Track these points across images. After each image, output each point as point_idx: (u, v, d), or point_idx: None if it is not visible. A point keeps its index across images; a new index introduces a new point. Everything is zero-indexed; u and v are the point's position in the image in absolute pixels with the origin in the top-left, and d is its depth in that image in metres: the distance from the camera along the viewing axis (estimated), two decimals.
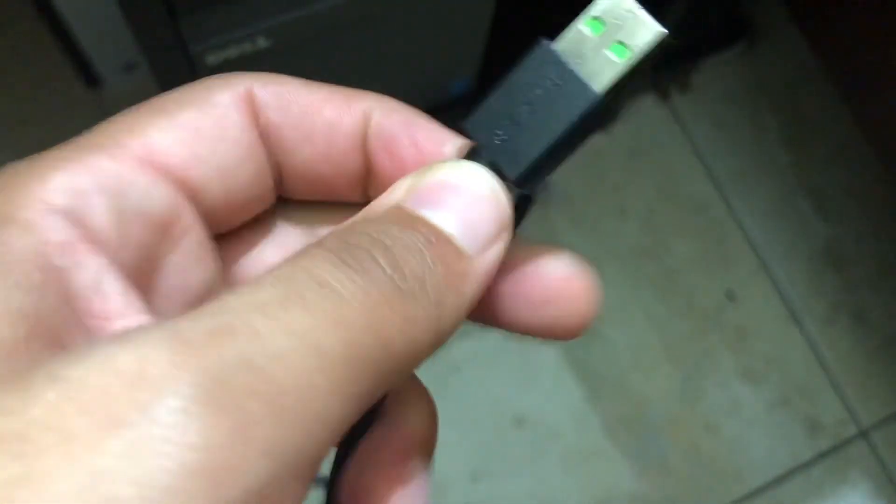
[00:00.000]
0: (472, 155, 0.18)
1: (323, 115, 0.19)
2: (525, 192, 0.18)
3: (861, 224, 1.08)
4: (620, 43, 0.18)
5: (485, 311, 0.19)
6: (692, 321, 1.02)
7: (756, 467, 0.97)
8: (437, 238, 0.16)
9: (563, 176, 1.05)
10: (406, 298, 0.15)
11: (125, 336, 0.13)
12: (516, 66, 0.18)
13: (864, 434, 1.00)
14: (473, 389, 0.96)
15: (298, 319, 0.13)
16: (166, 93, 0.19)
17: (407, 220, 0.16)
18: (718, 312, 1.03)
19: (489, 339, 0.98)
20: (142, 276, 0.17)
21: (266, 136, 0.19)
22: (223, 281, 0.19)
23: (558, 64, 0.18)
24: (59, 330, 0.14)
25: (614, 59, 0.18)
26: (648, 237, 1.05)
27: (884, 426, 1.00)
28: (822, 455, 0.98)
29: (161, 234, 0.17)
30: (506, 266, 0.18)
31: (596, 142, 1.07)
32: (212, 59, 0.63)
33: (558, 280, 0.19)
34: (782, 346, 1.02)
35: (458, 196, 0.17)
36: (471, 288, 0.17)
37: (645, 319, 1.01)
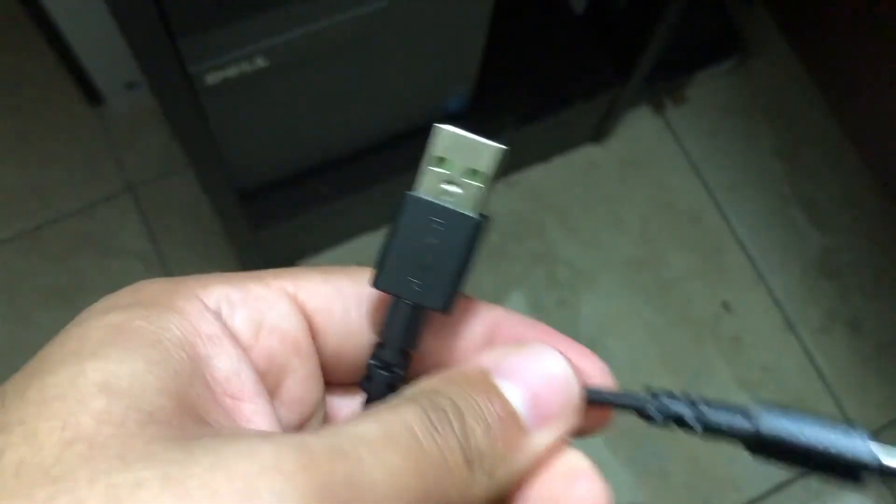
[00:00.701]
0: None
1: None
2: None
3: (855, 233, 1.09)
4: (472, 170, 0.21)
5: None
6: (689, 331, 1.03)
7: (754, 476, 0.98)
8: (504, 412, 0.19)
9: (559, 188, 1.06)
10: (466, 466, 0.18)
11: (267, 434, 0.17)
12: (396, 221, 0.21)
13: None
14: None
15: (392, 458, 0.16)
16: (315, 267, 0.22)
17: (482, 386, 0.19)
18: (715, 322, 1.03)
19: None
20: (268, 379, 0.20)
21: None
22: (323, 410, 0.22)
23: (432, 206, 0.21)
24: (201, 406, 0.18)
25: (474, 185, 0.21)
26: (644, 248, 1.06)
27: (881, 434, 1.01)
28: None
29: (289, 351, 0.21)
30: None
31: (591, 154, 1.08)
32: (210, 78, 0.64)
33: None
34: (778, 355, 1.03)
35: (531, 371, 0.20)
36: (522, 459, 0.19)
37: (642, 330, 1.02)
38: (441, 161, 0.21)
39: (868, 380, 1.03)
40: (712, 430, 0.20)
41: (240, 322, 0.20)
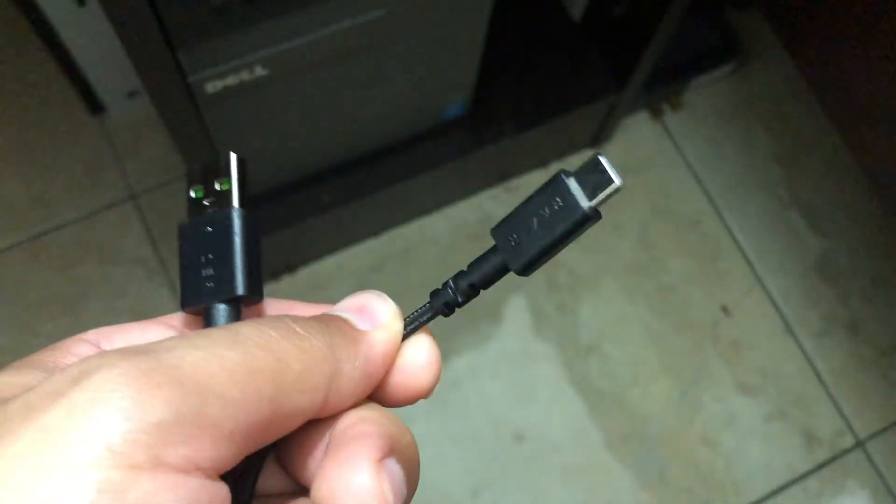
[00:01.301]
0: None
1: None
2: None
3: (853, 237, 1.09)
4: (221, 181, 0.25)
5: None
6: (688, 336, 1.03)
7: (754, 479, 0.98)
8: (335, 317, 0.23)
9: None
10: (300, 335, 0.21)
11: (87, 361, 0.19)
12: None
13: (860, 444, 1.00)
14: (473, 406, 0.97)
15: (202, 342, 0.19)
16: None
17: (319, 314, 0.23)
18: (714, 327, 1.04)
19: (488, 356, 0.99)
20: None
21: None
22: None
23: (199, 222, 0.24)
24: None
25: (224, 189, 0.25)
26: (643, 254, 1.06)
27: (880, 436, 1.01)
28: (820, 466, 0.99)
29: None
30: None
31: None
32: (210, 87, 0.64)
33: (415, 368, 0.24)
34: (778, 358, 1.03)
35: (355, 303, 0.24)
36: (364, 349, 0.22)
37: (642, 335, 1.03)
38: (195, 191, 0.25)
39: (867, 383, 1.03)
40: (485, 287, 0.24)
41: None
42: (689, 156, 1.11)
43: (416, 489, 0.22)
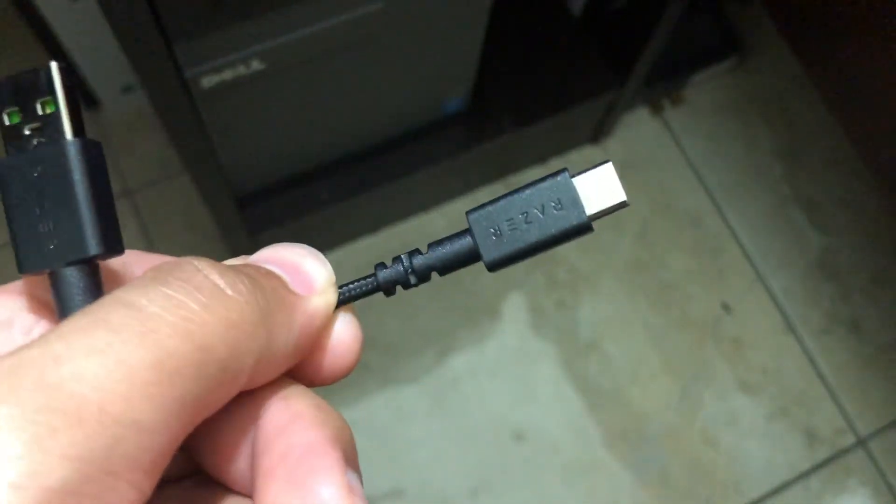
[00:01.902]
0: None
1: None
2: None
3: (854, 234, 1.09)
4: (42, 103, 0.19)
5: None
6: (689, 334, 1.03)
7: (755, 478, 0.97)
8: (269, 272, 0.18)
9: None
10: (229, 303, 0.16)
11: None
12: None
13: (862, 443, 1.00)
14: (472, 405, 0.97)
15: (101, 338, 0.14)
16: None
17: (242, 263, 0.18)
18: (715, 324, 1.03)
19: (487, 355, 0.98)
20: None
21: None
22: None
23: (24, 160, 0.19)
24: None
25: (49, 113, 0.19)
26: (644, 251, 1.05)
27: (881, 435, 1.00)
28: (821, 465, 0.98)
29: None
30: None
31: (589, 155, 1.08)
32: (206, 82, 0.63)
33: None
34: (779, 356, 1.03)
35: (288, 258, 0.19)
36: (300, 319, 0.18)
37: (642, 333, 1.02)
38: (9, 116, 0.19)
39: (868, 380, 1.02)
40: (443, 273, 0.21)
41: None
42: (689, 152, 1.10)
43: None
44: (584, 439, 0.97)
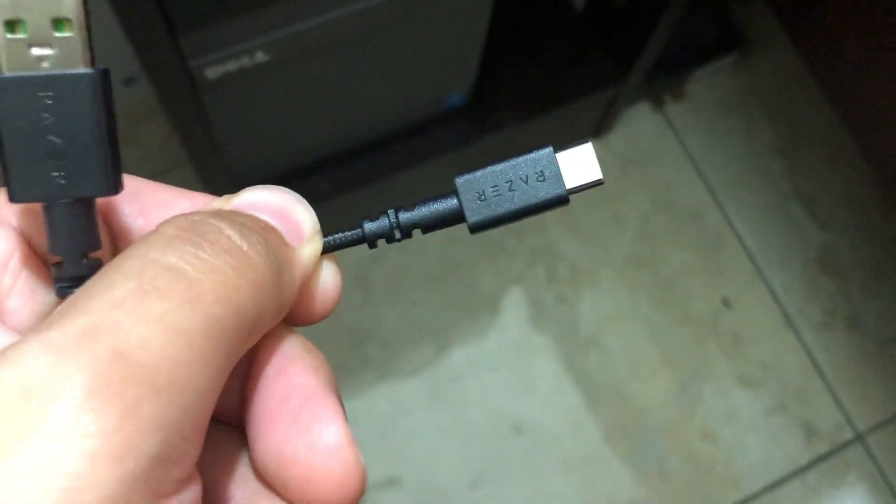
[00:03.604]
0: None
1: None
2: None
3: (854, 230, 1.09)
4: (56, 20, 0.18)
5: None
6: (689, 329, 1.03)
7: (753, 473, 0.98)
8: (268, 226, 0.19)
9: None
10: (254, 265, 0.17)
11: (3, 355, 0.14)
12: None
13: (860, 438, 1.00)
14: (472, 398, 0.97)
15: (155, 307, 0.15)
16: None
17: (241, 213, 0.19)
18: (715, 319, 1.03)
19: (487, 348, 0.98)
20: None
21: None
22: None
23: (30, 81, 0.18)
24: None
25: (67, 36, 0.18)
26: (644, 246, 1.06)
27: (880, 430, 1.01)
28: (819, 460, 0.99)
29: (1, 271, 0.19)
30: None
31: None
32: (211, 73, 0.63)
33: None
34: (778, 352, 1.03)
35: (278, 206, 0.20)
36: (298, 272, 0.19)
37: (642, 327, 1.02)
38: (13, 25, 0.17)
39: (868, 376, 1.03)
40: (426, 230, 0.22)
41: None
42: (690, 147, 1.11)
43: None
44: (583, 433, 0.97)
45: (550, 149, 0.22)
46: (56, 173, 0.18)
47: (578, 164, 0.22)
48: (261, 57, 0.65)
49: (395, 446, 0.94)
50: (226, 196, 0.20)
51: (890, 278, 1.07)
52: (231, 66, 0.64)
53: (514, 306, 1.01)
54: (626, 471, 0.96)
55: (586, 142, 0.22)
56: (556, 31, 0.98)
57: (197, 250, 0.16)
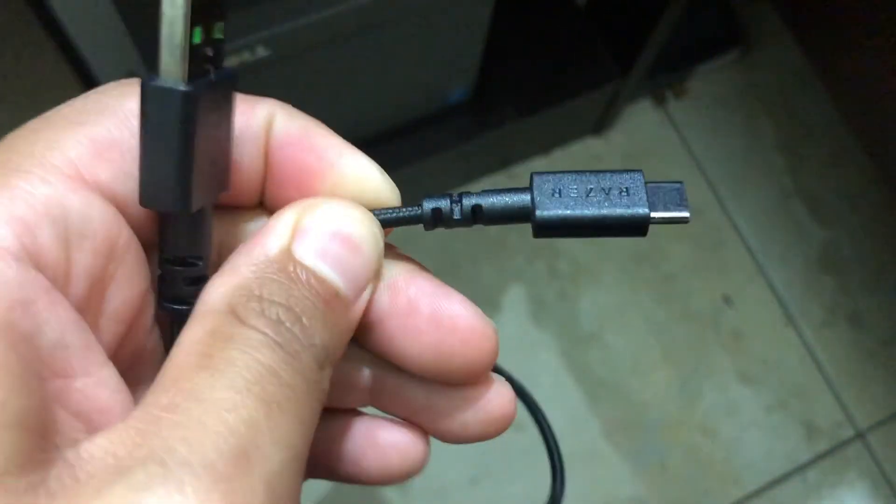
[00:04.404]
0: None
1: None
2: None
3: (856, 227, 1.09)
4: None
5: (385, 349, 0.20)
6: (689, 325, 1.03)
7: (754, 469, 0.98)
8: (328, 293, 0.18)
9: None
10: (319, 369, 0.17)
11: (143, 485, 0.13)
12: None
13: (860, 436, 1.00)
14: None
15: (284, 430, 0.15)
16: (71, 101, 0.18)
17: (295, 269, 0.17)
18: (715, 316, 1.03)
19: None
20: (91, 303, 0.17)
21: None
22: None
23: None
24: (42, 414, 0.15)
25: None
26: (645, 242, 1.05)
27: (880, 427, 1.01)
28: (820, 457, 0.99)
29: (107, 257, 0.17)
30: (408, 307, 0.20)
31: (592, 147, 1.08)
32: None
33: (459, 313, 0.20)
34: (779, 349, 1.03)
35: (345, 247, 0.18)
36: (347, 325, 0.18)
37: (643, 324, 1.02)
38: (197, 34, 0.17)
39: (869, 374, 1.03)
40: (489, 220, 0.20)
41: (48, 254, 0.15)
42: (691, 144, 1.10)
43: None
44: (584, 429, 0.97)
45: (641, 173, 0.21)
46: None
47: (667, 198, 0.20)
48: (262, 52, 0.65)
49: None
50: (304, 209, 0.19)
51: (891, 275, 1.07)
52: (232, 60, 0.64)
53: (514, 302, 1.01)
54: (626, 467, 0.96)
55: (680, 182, 0.21)
56: (558, 27, 0.98)
57: (290, 360, 0.16)
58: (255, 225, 0.21)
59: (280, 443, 0.15)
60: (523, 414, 0.94)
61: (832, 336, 1.04)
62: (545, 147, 1.06)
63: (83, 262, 0.16)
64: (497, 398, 0.21)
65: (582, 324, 1.01)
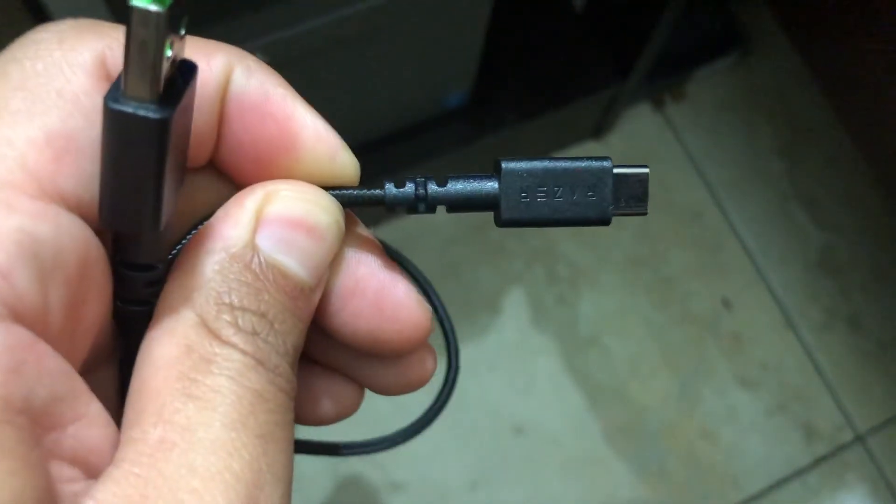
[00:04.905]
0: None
1: None
2: None
3: (855, 230, 1.09)
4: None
5: (332, 325, 0.20)
6: (689, 329, 1.03)
7: (753, 473, 0.98)
8: (295, 289, 0.17)
9: None
10: (291, 368, 0.17)
11: None
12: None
13: (860, 439, 1.00)
14: (472, 398, 0.97)
15: (279, 464, 0.16)
16: (7, 74, 0.16)
17: (266, 271, 0.17)
18: (715, 320, 1.03)
19: (487, 349, 0.98)
20: (66, 329, 0.16)
21: None
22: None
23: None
24: (47, 489, 0.14)
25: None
26: (644, 246, 1.05)
27: (880, 431, 1.00)
28: (819, 460, 0.99)
29: (79, 282, 0.16)
30: (353, 285, 0.20)
31: (591, 150, 1.08)
32: None
33: (401, 301, 0.20)
34: (778, 352, 1.03)
35: (309, 238, 0.18)
36: (309, 313, 0.18)
37: (642, 328, 1.02)
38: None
39: (868, 377, 1.03)
40: (453, 209, 0.20)
41: (24, 296, 0.14)
42: (690, 147, 1.10)
43: None
44: (583, 433, 0.97)
45: (610, 162, 0.20)
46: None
47: (629, 192, 0.21)
48: (259, 58, 0.64)
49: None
50: (265, 196, 0.18)
51: (890, 278, 1.07)
52: None
53: (513, 306, 1.01)
54: (625, 471, 0.96)
55: (645, 167, 0.21)
56: (556, 31, 0.98)
57: (270, 376, 0.16)
58: (205, 191, 0.19)
59: (278, 478, 0.15)
60: (523, 417, 0.94)
61: (831, 339, 1.04)
62: (544, 151, 1.06)
63: (58, 295, 0.15)
64: (419, 367, 0.22)
65: (581, 328, 1.01)
